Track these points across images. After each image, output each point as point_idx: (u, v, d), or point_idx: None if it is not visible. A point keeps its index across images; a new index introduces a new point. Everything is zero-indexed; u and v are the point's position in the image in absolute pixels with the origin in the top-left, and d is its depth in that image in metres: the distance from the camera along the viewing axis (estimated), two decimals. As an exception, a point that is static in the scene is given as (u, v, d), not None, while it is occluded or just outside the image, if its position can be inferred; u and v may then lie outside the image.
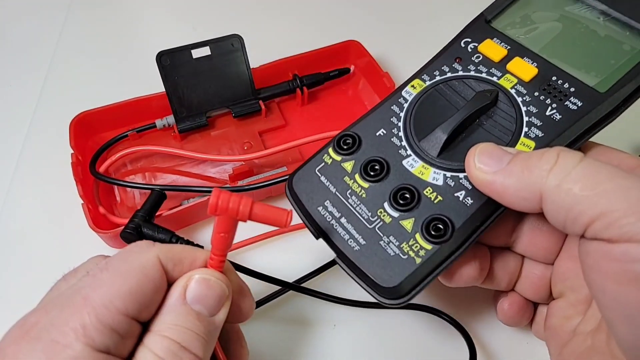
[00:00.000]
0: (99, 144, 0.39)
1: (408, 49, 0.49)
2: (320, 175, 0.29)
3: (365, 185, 0.28)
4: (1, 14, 0.53)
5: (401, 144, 0.29)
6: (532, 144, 0.27)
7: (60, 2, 0.53)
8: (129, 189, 0.38)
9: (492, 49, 0.30)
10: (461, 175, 0.27)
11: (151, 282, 0.21)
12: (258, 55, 0.41)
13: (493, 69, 0.29)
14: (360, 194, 0.28)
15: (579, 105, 0.27)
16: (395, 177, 0.28)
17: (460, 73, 0.30)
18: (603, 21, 0.29)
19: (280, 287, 0.33)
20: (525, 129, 0.27)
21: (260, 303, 0.32)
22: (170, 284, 0.22)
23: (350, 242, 0.27)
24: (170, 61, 0.38)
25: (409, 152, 0.28)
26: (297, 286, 0.32)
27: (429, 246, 0.25)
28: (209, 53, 0.39)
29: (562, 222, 0.22)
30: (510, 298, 0.29)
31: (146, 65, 0.40)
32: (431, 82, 0.30)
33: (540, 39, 0.30)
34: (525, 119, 0.27)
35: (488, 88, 0.28)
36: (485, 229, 0.26)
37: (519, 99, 0.28)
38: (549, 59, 0.29)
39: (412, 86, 0.30)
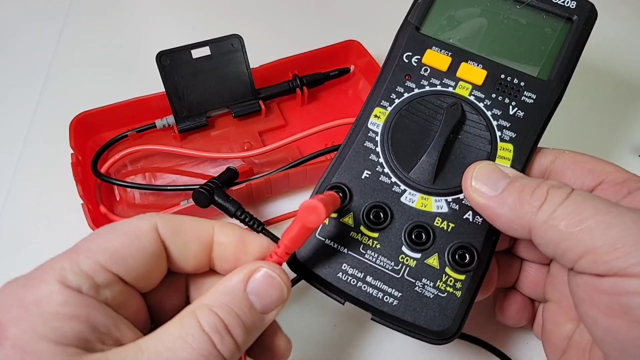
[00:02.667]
0: (99, 144, 0.39)
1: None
2: (324, 239, 0.27)
3: (375, 235, 0.27)
4: (1, 14, 0.53)
5: (392, 181, 0.27)
6: (510, 146, 0.27)
7: (60, 2, 0.53)
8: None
9: (436, 59, 0.29)
10: (461, 196, 0.27)
11: (140, 245, 0.21)
12: (258, 55, 0.41)
13: (445, 79, 0.29)
14: (374, 246, 0.27)
15: (534, 98, 0.28)
16: (401, 218, 0.27)
17: (417, 91, 0.29)
18: (519, 9, 0.30)
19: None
20: (498, 133, 0.28)
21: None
22: (169, 254, 0.22)
23: (386, 298, 0.26)
24: (170, 61, 0.38)
25: (403, 186, 0.27)
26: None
27: (462, 276, 0.26)
28: (209, 53, 0.39)
29: (552, 255, 0.23)
30: (509, 298, 0.30)
31: (146, 65, 0.40)
32: (392, 107, 0.29)
33: (473, 38, 0.30)
34: (495, 123, 0.28)
35: (449, 101, 0.28)
36: (498, 239, 0.26)
37: (481, 105, 0.28)
38: (491, 58, 0.29)
39: (376, 116, 0.29)
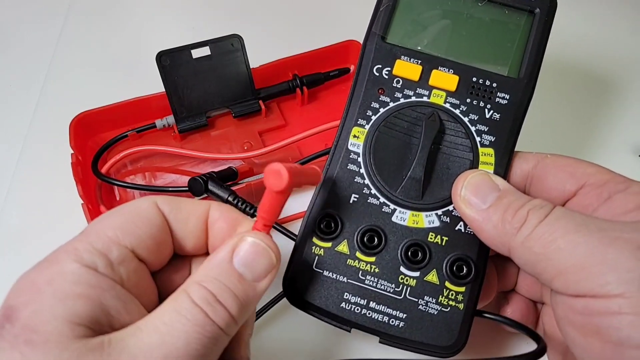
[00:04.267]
0: (99, 144, 0.39)
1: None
2: (321, 270, 0.27)
3: (372, 259, 0.27)
4: (2, 14, 0.53)
5: (380, 202, 0.27)
6: (491, 150, 0.27)
7: (60, 2, 0.53)
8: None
9: (407, 69, 0.29)
10: (451, 207, 0.27)
11: (145, 218, 0.22)
12: (258, 55, 0.41)
13: (418, 89, 0.29)
14: (372, 270, 0.27)
15: (507, 98, 0.28)
16: (395, 238, 0.27)
17: (392, 105, 0.28)
18: (480, 5, 0.30)
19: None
20: (478, 139, 0.28)
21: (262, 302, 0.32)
22: (171, 229, 0.23)
23: (392, 321, 0.26)
24: (170, 61, 0.38)
25: (392, 206, 0.27)
26: None
27: (462, 288, 0.26)
28: (209, 53, 0.39)
29: (532, 275, 0.23)
30: (512, 304, 0.29)
31: (146, 65, 0.40)
32: (370, 125, 0.28)
33: (440, 41, 0.29)
34: (472, 129, 0.28)
35: (426, 112, 0.28)
36: None
37: (457, 112, 0.28)
38: (460, 61, 0.29)
39: (355, 136, 0.28)
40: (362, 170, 0.28)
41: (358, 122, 0.28)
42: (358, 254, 0.27)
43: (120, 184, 0.37)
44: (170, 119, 0.40)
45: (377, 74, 0.29)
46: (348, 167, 0.28)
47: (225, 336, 0.21)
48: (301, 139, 0.37)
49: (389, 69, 0.29)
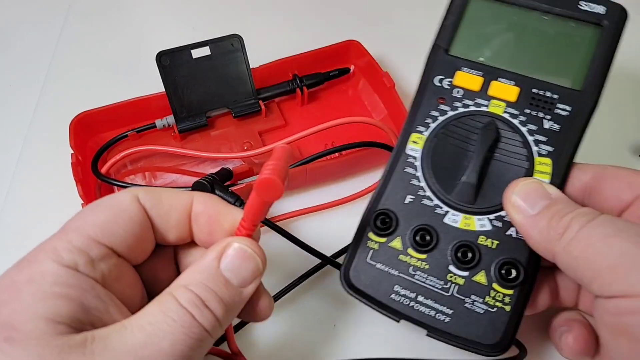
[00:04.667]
0: (99, 144, 0.39)
1: (408, 49, 0.49)
2: (375, 263, 0.28)
3: (423, 256, 0.28)
4: (2, 14, 0.53)
5: (434, 204, 0.28)
6: (548, 160, 0.28)
7: (60, 2, 0.53)
8: (129, 189, 0.38)
9: (468, 80, 0.30)
10: (503, 213, 0.27)
11: (126, 215, 0.22)
12: (258, 55, 0.41)
13: (477, 99, 0.29)
14: (423, 267, 0.28)
15: (569, 110, 0.28)
16: (446, 238, 0.28)
17: (451, 113, 0.29)
18: (547, 19, 0.30)
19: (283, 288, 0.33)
20: (535, 148, 0.28)
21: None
22: (153, 223, 0.23)
23: (439, 316, 0.27)
24: (170, 61, 0.38)
25: (445, 208, 0.28)
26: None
27: (510, 291, 0.26)
28: (209, 53, 0.39)
29: (575, 280, 0.24)
30: (574, 331, 0.27)
31: (146, 65, 0.40)
32: (429, 132, 0.29)
33: (503, 54, 0.30)
34: (531, 139, 0.28)
35: (484, 121, 0.28)
36: None
37: (516, 122, 0.28)
38: (522, 73, 0.29)
39: (414, 142, 0.29)
40: (419, 174, 0.29)
41: (417, 129, 0.30)
42: (410, 251, 0.28)
43: (120, 184, 0.37)
44: (170, 119, 0.40)
45: (438, 85, 0.30)
46: (405, 170, 0.29)
47: (210, 338, 0.21)
48: (301, 138, 0.36)
49: (450, 79, 0.30)
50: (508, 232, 0.27)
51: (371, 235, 0.29)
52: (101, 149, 0.38)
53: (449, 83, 0.30)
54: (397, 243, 0.28)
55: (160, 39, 0.49)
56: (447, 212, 0.28)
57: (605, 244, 0.22)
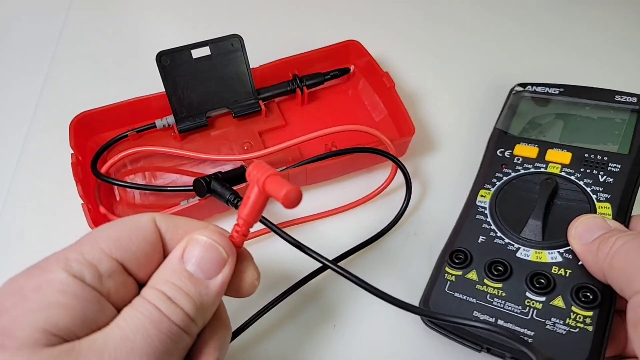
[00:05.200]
0: (99, 144, 0.39)
1: (408, 49, 0.49)
2: (453, 292, 0.30)
3: (499, 285, 0.30)
4: (2, 14, 0.53)
5: (505, 242, 0.31)
6: (608, 204, 0.31)
7: (60, 2, 0.53)
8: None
9: (526, 150, 0.35)
10: None
11: (141, 234, 0.22)
12: (258, 55, 0.41)
13: (536, 163, 0.35)
14: (500, 294, 0.29)
15: (619, 167, 0.33)
16: (520, 269, 0.30)
17: (513, 174, 0.34)
18: (589, 109, 0.37)
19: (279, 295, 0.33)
20: (594, 196, 0.32)
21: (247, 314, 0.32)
22: (165, 246, 0.23)
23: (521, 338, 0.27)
24: (170, 61, 0.38)
25: (517, 245, 0.31)
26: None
27: (590, 312, 0.27)
28: (209, 53, 0.39)
29: (620, 293, 0.25)
30: None
31: (146, 65, 0.40)
32: (495, 188, 0.34)
33: (554, 133, 0.36)
34: (588, 189, 0.32)
35: (543, 177, 0.33)
36: None
37: (573, 177, 0.33)
38: (573, 144, 0.35)
39: (482, 196, 0.34)
40: (489, 219, 0.33)
41: (484, 187, 0.34)
42: (486, 281, 0.30)
43: (120, 183, 0.37)
44: (170, 119, 0.40)
45: (500, 155, 0.36)
46: (476, 217, 0.33)
47: (185, 335, 0.21)
48: (302, 142, 0.37)
49: (510, 151, 0.36)
50: (580, 262, 0.28)
51: (447, 269, 0.31)
52: (101, 149, 0.38)
53: (509, 153, 0.36)
54: (472, 275, 0.30)
55: (160, 39, 0.49)
56: (518, 248, 0.31)
57: (635, 252, 0.24)
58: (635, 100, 0.36)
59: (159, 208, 0.36)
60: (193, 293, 0.21)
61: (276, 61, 0.42)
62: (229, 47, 0.39)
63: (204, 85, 0.40)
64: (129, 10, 0.53)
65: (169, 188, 0.37)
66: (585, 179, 0.32)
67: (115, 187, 0.38)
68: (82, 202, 0.34)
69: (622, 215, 0.31)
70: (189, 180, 0.39)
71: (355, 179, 0.40)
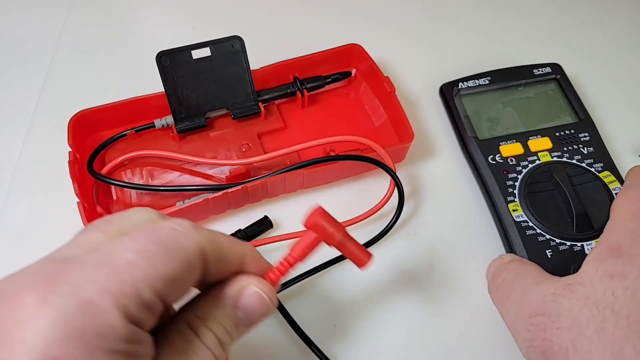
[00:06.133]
0: (97, 142, 0.39)
1: (409, 54, 0.49)
2: None
3: None
4: (2, 14, 0.53)
5: (569, 245, 0.32)
6: (607, 172, 0.35)
7: (60, 2, 0.53)
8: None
9: (511, 149, 0.37)
10: None
11: (192, 274, 0.20)
12: (258, 57, 0.41)
13: (528, 157, 0.36)
14: None
15: (587, 135, 0.37)
16: None
17: (521, 177, 0.35)
18: (522, 89, 0.41)
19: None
20: (592, 169, 0.35)
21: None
22: (207, 274, 0.21)
23: None
24: (170, 61, 0.38)
25: (579, 244, 0.32)
26: None
27: None
28: (209, 54, 0.39)
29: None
30: None
31: (146, 65, 0.40)
32: (518, 197, 0.35)
33: (516, 122, 0.39)
34: (584, 164, 0.35)
35: (546, 170, 0.35)
36: None
37: (564, 159, 0.36)
38: (538, 127, 0.38)
39: (514, 210, 0.34)
40: (539, 231, 0.33)
41: (509, 200, 0.35)
42: None
43: (116, 183, 0.36)
44: (169, 119, 0.40)
45: (493, 162, 0.37)
46: (527, 233, 0.33)
47: None
48: (302, 149, 0.36)
49: (499, 154, 0.37)
50: None
51: None
52: (98, 148, 0.38)
53: (500, 157, 0.37)
54: None
55: (161, 39, 0.49)
56: (582, 245, 0.32)
57: None
58: (550, 70, 0.39)
59: (156, 208, 0.35)
60: (237, 337, 0.22)
61: (277, 63, 0.42)
62: (229, 48, 0.39)
63: (203, 86, 0.39)
64: (129, 10, 0.53)
65: (166, 188, 0.36)
66: (575, 156, 0.35)
67: (113, 186, 0.38)
68: (78, 200, 0.33)
69: (617, 174, 0.35)
70: (187, 179, 0.39)
71: (353, 183, 0.40)
